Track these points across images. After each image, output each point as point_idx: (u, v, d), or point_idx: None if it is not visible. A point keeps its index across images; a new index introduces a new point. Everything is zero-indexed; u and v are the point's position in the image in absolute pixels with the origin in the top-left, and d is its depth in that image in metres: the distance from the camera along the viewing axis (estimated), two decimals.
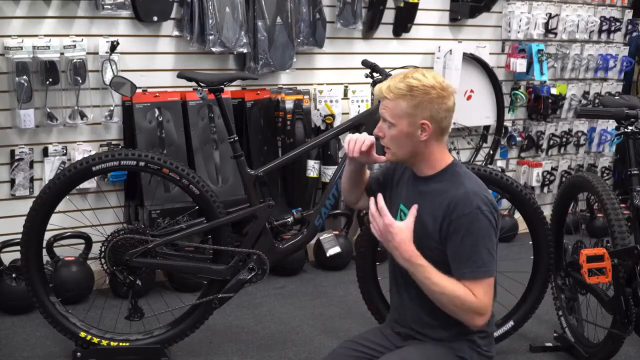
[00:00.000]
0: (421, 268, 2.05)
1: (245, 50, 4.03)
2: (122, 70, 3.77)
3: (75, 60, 3.66)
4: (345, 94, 4.53)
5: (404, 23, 4.62)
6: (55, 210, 3.04)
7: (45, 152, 3.76)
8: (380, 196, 2.11)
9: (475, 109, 4.89)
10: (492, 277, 2.08)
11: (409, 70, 2.16)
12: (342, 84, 4.51)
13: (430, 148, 2.16)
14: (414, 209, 2.10)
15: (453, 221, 2.07)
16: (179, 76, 3.26)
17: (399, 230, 2.05)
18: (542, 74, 5.00)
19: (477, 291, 2.04)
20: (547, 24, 5.05)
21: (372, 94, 4.44)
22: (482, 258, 2.05)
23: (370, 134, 3.33)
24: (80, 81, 3.69)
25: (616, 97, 4.16)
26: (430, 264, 2.05)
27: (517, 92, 5.13)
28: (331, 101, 4.38)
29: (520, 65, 4.95)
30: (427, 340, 2.19)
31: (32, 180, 3.76)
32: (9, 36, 3.56)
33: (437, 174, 2.18)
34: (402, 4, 4.54)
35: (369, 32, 4.55)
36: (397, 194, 2.29)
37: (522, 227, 4.12)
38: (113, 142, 3.92)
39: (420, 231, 2.13)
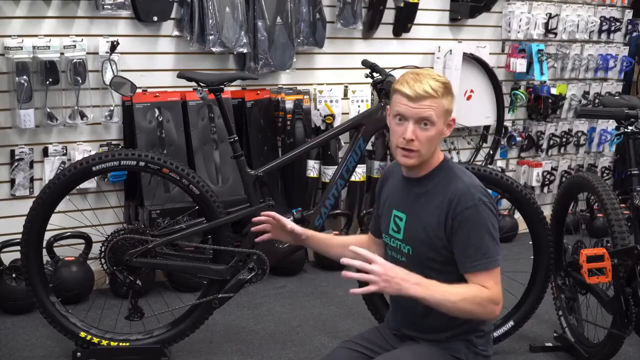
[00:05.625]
0: (433, 285, 2.01)
1: (245, 50, 4.03)
2: (122, 70, 3.77)
3: (75, 60, 3.66)
4: (345, 94, 4.53)
5: (404, 23, 4.62)
6: (55, 210, 3.04)
7: (45, 152, 3.76)
8: (354, 248, 2.02)
9: (475, 109, 4.89)
10: (498, 267, 2.09)
11: (422, 71, 2.14)
12: (342, 84, 4.51)
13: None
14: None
15: (457, 215, 2.07)
16: (179, 76, 3.26)
17: (393, 265, 2.00)
18: (542, 74, 5.00)
19: (488, 282, 2.05)
20: (547, 24, 5.05)
21: (372, 94, 4.44)
22: (489, 249, 2.06)
23: (371, 134, 3.37)
24: (80, 81, 3.69)
25: (616, 97, 4.16)
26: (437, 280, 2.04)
27: (517, 92, 5.13)
28: (331, 101, 4.38)
29: (520, 65, 4.95)
30: (424, 341, 2.19)
31: (32, 180, 3.76)
32: (9, 36, 3.56)
33: (431, 172, 2.18)
34: (402, 4, 4.54)
35: (369, 32, 4.55)
36: (388, 203, 2.29)
37: (522, 227, 4.11)
38: (113, 142, 3.92)
39: (426, 235, 2.13)
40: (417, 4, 4.57)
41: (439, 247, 2.12)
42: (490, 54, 4.91)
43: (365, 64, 3.56)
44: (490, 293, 2.05)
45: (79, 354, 3.07)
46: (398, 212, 2.22)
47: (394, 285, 1.95)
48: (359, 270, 1.96)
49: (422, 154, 2.12)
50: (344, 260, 1.99)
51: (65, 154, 3.80)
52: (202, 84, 3.13)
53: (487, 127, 5.09)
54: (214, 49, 3.92)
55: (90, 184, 3.76)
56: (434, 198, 2.13)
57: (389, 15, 4.58)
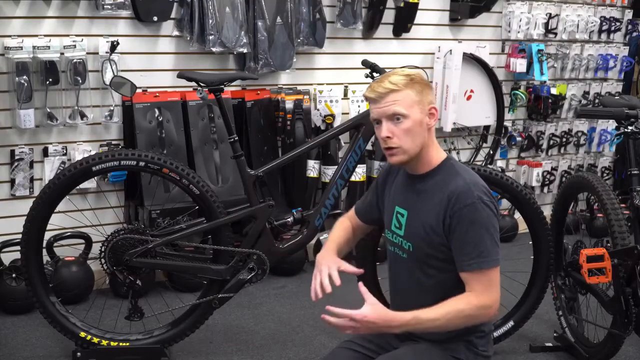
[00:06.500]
0: (414, 319, 2.03)
1: (245, 50, 4.03)
2: (122, 70, 3.78)
3: (75, 60, 3.66)
4: (345, 94, 4.53)
5: (404, 23, 4.62)
6: (55, 210, 3.04)
7: (45, 152, 3.76)
8: (330, 309, 2.01)
9: (475, 109, 4.89)
10: (497, 267, 2.08)
11: (390, 72, 2.20)
12: (342, 84, 4.51)
13: (431, 140, 2.17)
14: (364, 290, 2.05)
15: (455, 213, 2.06)
16: (179, 76, 3.26)
17: (370, 313, 2.00)
18: (542, 74, 5.00)
19: (477, 286, 2.05)
20: (547, 24, 5.05)
21: None
22: (487, 248, 2.05)
23: (371, 134, 3.37)
24: (80, 81, 3.69)
25: (616, 97, 4.16)
26: (418, 311, 2.04)
27: (517, 92, 5.13)
28: (331, 101, 4.38)
29: (520, 65, 4.95)
30: (424, 341, 2.19)
31: (32, 180, 3.76)
32: (9, 36, 3.56)
33: (433, 170, 2.18)
34: (402, 4, 4.54)
35: (369, 32, 4.55)
36: (391, 199, 2.29)
37: (522, 227, 4.11)
38: (113, 142, 3.92)
39: (425, 232, 2.13)
40: (417, 4, 4.57)
41: (438, 244, 2.12)
42: (490, 54, 4.91)
43: (365, 64, 3.56)
44: (478, 300, 2.04)
45: (79, 354, 3.07)
46: (400, 208, 2.23)
47: (378, 330, 2.04)
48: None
49: (406, 149, 2.13)
50: (325, 317, 2.00)
51: (65, 154, 3.80)
52: (202, 84, 3.13)
53: (487, 127, 5.09)
54: (214, 49, 3.92)
55: (90, 184, 3.76)
56: (434, 195, 2.13)
57: (389, 15, 4.58)
